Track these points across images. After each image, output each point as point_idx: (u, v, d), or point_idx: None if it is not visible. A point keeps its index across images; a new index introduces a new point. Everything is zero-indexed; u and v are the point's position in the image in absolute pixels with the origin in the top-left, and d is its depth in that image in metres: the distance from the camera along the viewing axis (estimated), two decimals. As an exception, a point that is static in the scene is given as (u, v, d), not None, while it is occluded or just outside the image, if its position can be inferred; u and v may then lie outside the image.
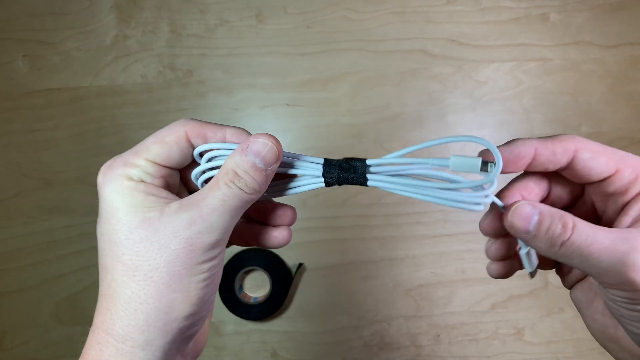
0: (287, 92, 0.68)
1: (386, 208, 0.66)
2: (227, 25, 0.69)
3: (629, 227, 0.25)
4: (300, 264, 0.65)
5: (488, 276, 0.31)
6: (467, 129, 0.67)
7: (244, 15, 0.69)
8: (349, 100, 0.67)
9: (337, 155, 0.29)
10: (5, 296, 0.66)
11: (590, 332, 0.29)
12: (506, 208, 0.27)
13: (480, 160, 0.25)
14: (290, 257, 0.66)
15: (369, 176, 0.28)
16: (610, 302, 0.26)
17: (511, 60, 0.67)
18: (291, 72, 0.68)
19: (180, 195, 0.28)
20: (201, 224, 0.24)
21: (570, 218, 0.25)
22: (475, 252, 0.65)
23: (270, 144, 0.25)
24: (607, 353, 0.29)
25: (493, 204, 0.27)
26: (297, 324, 0.66)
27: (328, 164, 0.28)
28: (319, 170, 0.28)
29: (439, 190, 0.26)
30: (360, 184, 0.28)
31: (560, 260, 0.26)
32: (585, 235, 0.24)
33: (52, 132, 0.68)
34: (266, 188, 0.27)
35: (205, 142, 0.27)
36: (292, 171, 0.28)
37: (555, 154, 0.26)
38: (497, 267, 0.31)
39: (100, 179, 0.26)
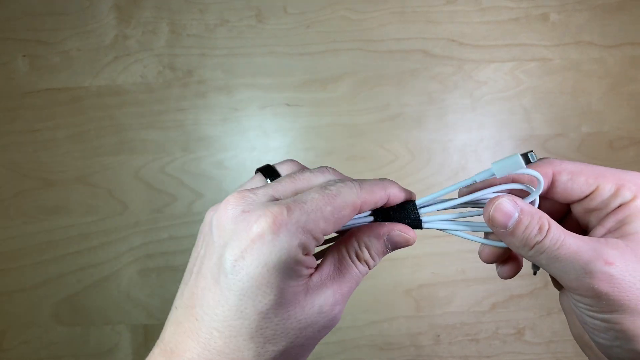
0: (287, 92, 0.68)
1: (386, 208, 0.66)
2: (227, 25, 0.69)
3: (601, 237, 0.25)
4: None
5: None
6: (466, 129, 0.67)
7: (244, 15, 0.69)
8: (349, 100, 0.67)
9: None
10: (5, 296, 0.66)
11: (572, 335, 0.30)
12: (488, 201, 0.26)
13: (518, 155, 0.25)
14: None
15: (423, 218, 0.28)
16: (574, 307, 0.26)
17: (511, 60, 0.67)
18: (291, 72, 0.68)
19: None
20: (342, 305, 0.25)
21: (546, 220, 0.25)
22: (476, 252, 0.65)
23: (407, 236, 0.27)
24: None
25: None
26: (297, 324, 0.66)
27: (377, 214, 0.28)
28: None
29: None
30: (416, 227, 0.28)
31: (529, 259, 0.26)
32: (556, 239, 0.24)
33: (52, 132, 0.68)
34: None
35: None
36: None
37: (532, 181, 0.26)
38: (505, 268, 0.31)
39: (268, 232, 0.22)
